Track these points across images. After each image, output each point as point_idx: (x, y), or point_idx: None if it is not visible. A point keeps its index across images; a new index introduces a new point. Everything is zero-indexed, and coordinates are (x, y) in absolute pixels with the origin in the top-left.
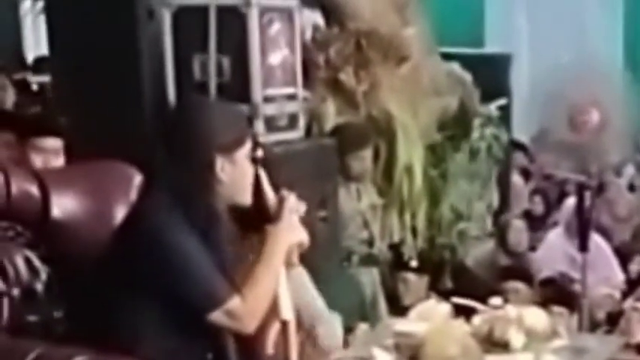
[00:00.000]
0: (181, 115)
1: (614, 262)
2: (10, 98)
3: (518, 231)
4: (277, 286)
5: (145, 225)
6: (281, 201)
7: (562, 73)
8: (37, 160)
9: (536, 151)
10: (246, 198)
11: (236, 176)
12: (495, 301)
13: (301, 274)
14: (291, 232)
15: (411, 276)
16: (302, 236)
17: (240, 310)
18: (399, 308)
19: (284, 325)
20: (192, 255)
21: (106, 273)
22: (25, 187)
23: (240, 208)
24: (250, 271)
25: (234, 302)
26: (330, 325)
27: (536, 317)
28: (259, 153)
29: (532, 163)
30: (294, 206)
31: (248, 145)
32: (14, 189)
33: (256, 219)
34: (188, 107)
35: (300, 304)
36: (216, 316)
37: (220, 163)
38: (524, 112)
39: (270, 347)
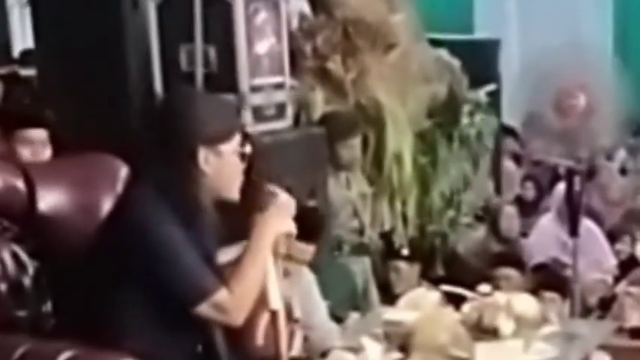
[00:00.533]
0: (167, 104)
1: (606, 246)
2: None
3: (509, 217)
4: (265, 275)
5: (132, 216)
6: (270, 195)
7: (550, 57)
8: (25, 152)
9: (526, 137)
10: (233, 192)
11: (221, 169)
12: (484, 288)
13: (309, 281)
14: (278, 221)
15: (402, 264)
16: (289, 226)
17: (228, 303)
18: (391, 296)
19: (273, 314)
20: (178, 247)
21: (94, 266)
22: (11, 181)
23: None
24: (237, 262)
25: (222, 295)
26: (328, 334)
27: (526, 304)
28: (247, 148)
29: (523, 148)
30: (285, 203)
31: (236, 139)
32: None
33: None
34: (174, 97)
35: (302, 312)
36: (204, 309)
37: (204, 155)
38: (514, 98)
39: (259, 338)
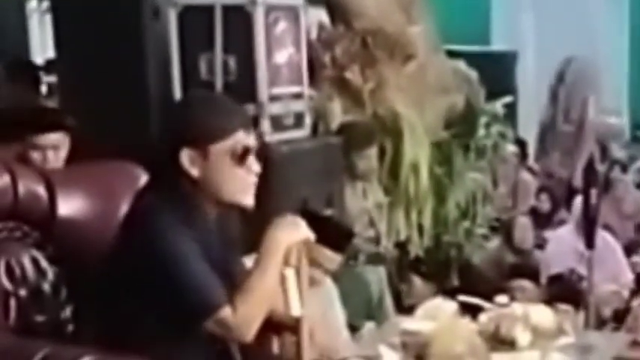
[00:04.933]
0: (164, 109)
1: (623, 260)
2: None
3: (523, 228)
4: (285, 282)
5: (138, 227)
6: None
7: (561, 68)
8: (36, 156)
9: (540, 148)
10: (237, 197)
11: (211, 172)
12: (501, 299)
13: (331, 290)
14: (289, 231)
15: (417, 280)
16: (303, 234)
17: (232, 321)
18: (406, 306)
19: (295, 322)
20: (182, 258)
21: (110, 274)
22: (32, 187)
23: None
24: (244, 278)
25: (225, 312)
26: (344, 344)
27: (543, 315)
28: (240, 148)
29: (537, 161)
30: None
31: (232, 141)
32: (21, 189)
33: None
34: (172, 101)
35: (322, 323)
36: (210, 326)
37: (189, 157)
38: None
39: (275, 347)
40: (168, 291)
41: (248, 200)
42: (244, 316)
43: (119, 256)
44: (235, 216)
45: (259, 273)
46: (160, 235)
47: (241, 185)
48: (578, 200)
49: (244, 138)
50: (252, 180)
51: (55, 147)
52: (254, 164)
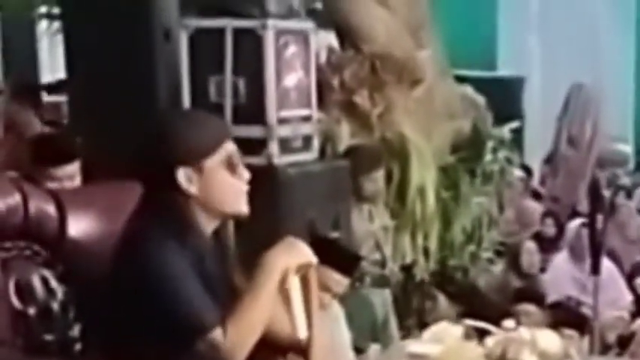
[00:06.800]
0: (145, 132)
1: (622, 283)
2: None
3: (530, 253)
4: (291, 304)
5: (131, 247)
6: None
7: (569, 94)
8: (52, 187)
9: (545, 174)
10: (235, 207)
11: (209, 186)
12: (509, 323)
13: (338, 313)
14: (288, 254)
15: (442, 298)
16: (304, 257)
17: (222, 343)
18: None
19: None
20: (178, 280)
21: (111, 293)
22: (42, 206)
23: None
24: (238, 301)
25: (216, 335)
26: None
27: (549, 339)
28: (233, 157)
29: (542, 185)
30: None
31: (222, 152)
32: (31, 208)
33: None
34: (150, 122)
35: (328, 344)
36: (200, 347)
37: (186, 175)
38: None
39: None
40: (161, 311)
41: (244, 208)
42: (235, 340)
43: (117, 275)
44: (229, 230)
45: (252, 297)
46: (154, 256)
47: (237, 194)
48: (571, 226)
49: (232, 147)
50: (245, 187)
51: (71, 177)
52: (244, 171)
